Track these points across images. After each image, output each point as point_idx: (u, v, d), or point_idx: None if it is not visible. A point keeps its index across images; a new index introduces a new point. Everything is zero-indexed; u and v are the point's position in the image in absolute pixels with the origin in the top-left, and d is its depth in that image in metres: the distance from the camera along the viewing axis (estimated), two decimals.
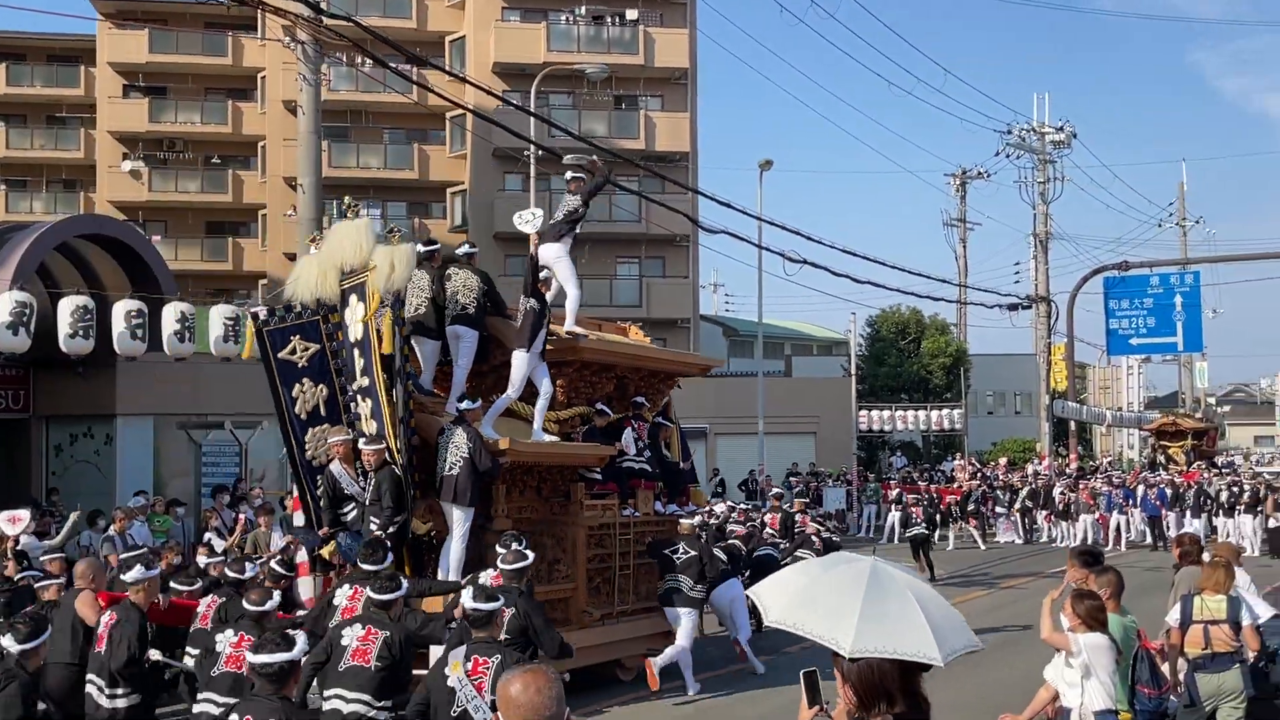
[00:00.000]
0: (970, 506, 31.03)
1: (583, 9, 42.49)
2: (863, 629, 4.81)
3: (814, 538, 17.05)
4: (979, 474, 36.65)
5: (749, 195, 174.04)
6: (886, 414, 41.10)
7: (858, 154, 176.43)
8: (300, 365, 11.71)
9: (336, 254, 11.52)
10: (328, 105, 40.36)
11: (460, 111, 33.60)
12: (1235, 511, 28.63)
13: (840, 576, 5.15)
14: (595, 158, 14.96)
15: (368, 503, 11.05)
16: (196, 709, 8.21)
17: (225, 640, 8.18)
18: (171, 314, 15.47)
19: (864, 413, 41.38)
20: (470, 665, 7.01)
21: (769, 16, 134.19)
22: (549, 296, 12.90)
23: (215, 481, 21.27)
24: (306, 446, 11.79)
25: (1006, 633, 16.24)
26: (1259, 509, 28.04)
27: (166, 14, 44.21)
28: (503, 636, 7.88)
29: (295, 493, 16.18)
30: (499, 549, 10.35)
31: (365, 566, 9.24)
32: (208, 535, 17.08)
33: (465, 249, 13.12)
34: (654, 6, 43.25)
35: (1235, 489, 29.34)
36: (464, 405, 11.61)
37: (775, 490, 24.00)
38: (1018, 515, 32.16)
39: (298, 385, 11.79)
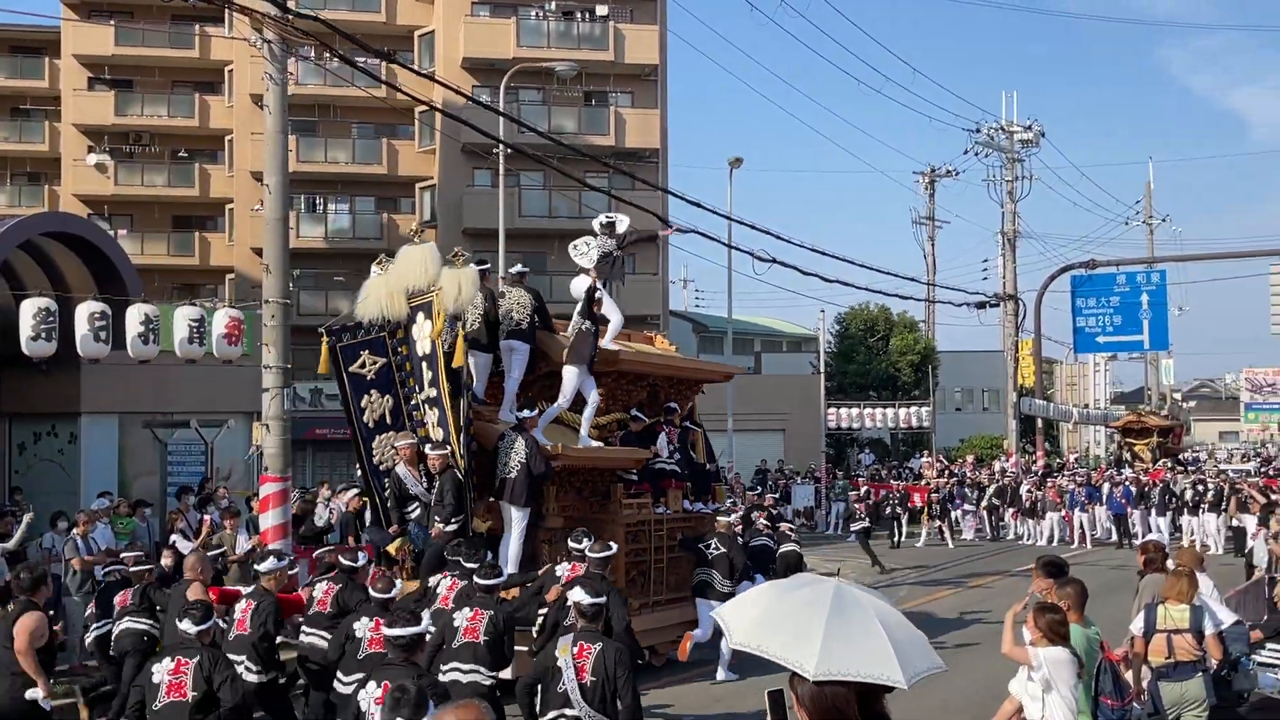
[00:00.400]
0: (938, 504, 31.16)
1: (553, 4, 42.37)
2: (826, 651, 4.81)
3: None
4: (946, 471, 36.81)
5: (719, 193, 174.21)
6: (855, 411, 41.28)
7: (827, 153, 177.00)
8: (368, 378, 12.83)
9: (404, 276, 12.45)
10: (295, 100, 40.02)
11: (433, 101, 33.49)
12: (1200, 510, 28.84)
13: (804, 598, 5.15)
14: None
15: (432, 503, 11.99)
16: (345, 690, 8.95)
17: (364, 627, 9.26)
18: (135, 316, 15.33)
19: (833, 410, 41.53)
20: (576, 650, 8.11)
21: (738, 15, 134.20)
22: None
23: (181, 481, 21.14)
24: (374, 452, 12.89)
25: (972, 629, 16.32)
26: (1223, 507, 28.25)
27: (133, 6, 43.73)
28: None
29: (261, 494, 16.21)
30: (570, 543, 11.27)
31: (468, 565, 10.24)
32: (173, 537, 16.98)
33: (518, 269, 14.28)
34: (624, 3, 43.16)
35: (1200, 487, 29.55)
36: (523, 414, 12.63)
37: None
38: (985, 513, 32.33)
39: (366, 396, 12.94)
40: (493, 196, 31.60)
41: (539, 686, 8.16)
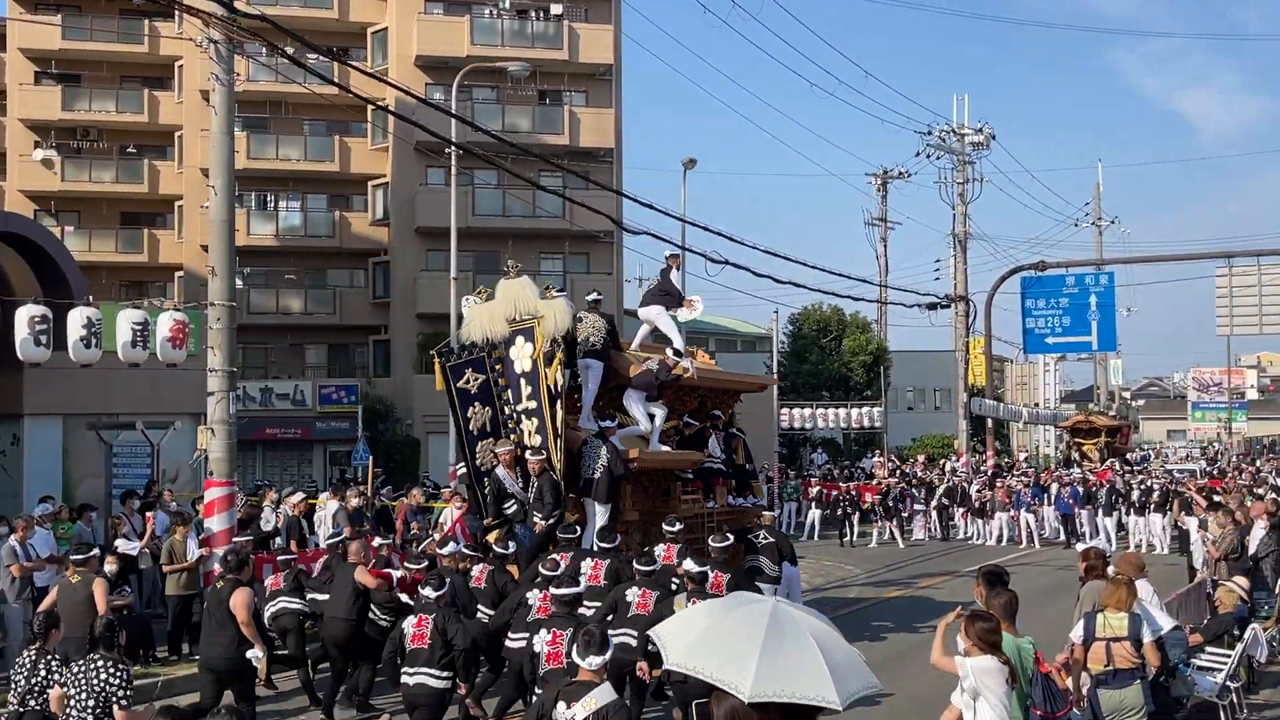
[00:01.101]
0: (889, 504, 31.32)
1: (507, 3, 42.23)
2: (762, 673, 4.83)
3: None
4: (898, 471, 37.01)
5: (673, 193, 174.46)
6: (808, 411, 41.44)
7: (781, 154, 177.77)
8: (472, 392, 14.60)
9: (506, 306, 14.44)
10: (246, 96, 39.87)
11: (383, 102, 33.28)
12: (1146, 510, 29.15)
13: (741, 618, 5.16)
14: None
15: (531, 500, 13.78)
16: (515, 644, 11.15)
17: (534, 596, 11.33)
18: (77, 319, 15.07)
19: (785, 410, 41.66)
20: (690, 603, 10.38)
21: (692, 17, 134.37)
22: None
23: (127, 484, 20.87)
24: (477, 455, 14.55)
25: (924, 634, 16.38)
26: (1168, 508, 28.57)
27: (80, 0, 43.24)
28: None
29: (206, 498, 16.05)
30: (665, 527, 13.84)
31: (635, 560, 12.22)
32: (118, 542, 16.79)
33: (594, 296, 15.87)
34: (579, 2, 43.10)
35: (1145, 488, 29.86)
36: (605, 424, 14.44)
37: None
38: (935, 513, 32.52)
39: (471, 408, 14.60)
40: (446, 195, 31.41)
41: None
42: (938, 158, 43.31)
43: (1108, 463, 39.49)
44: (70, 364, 15.66)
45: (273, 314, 43.23)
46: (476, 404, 14.67)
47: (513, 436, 14.37)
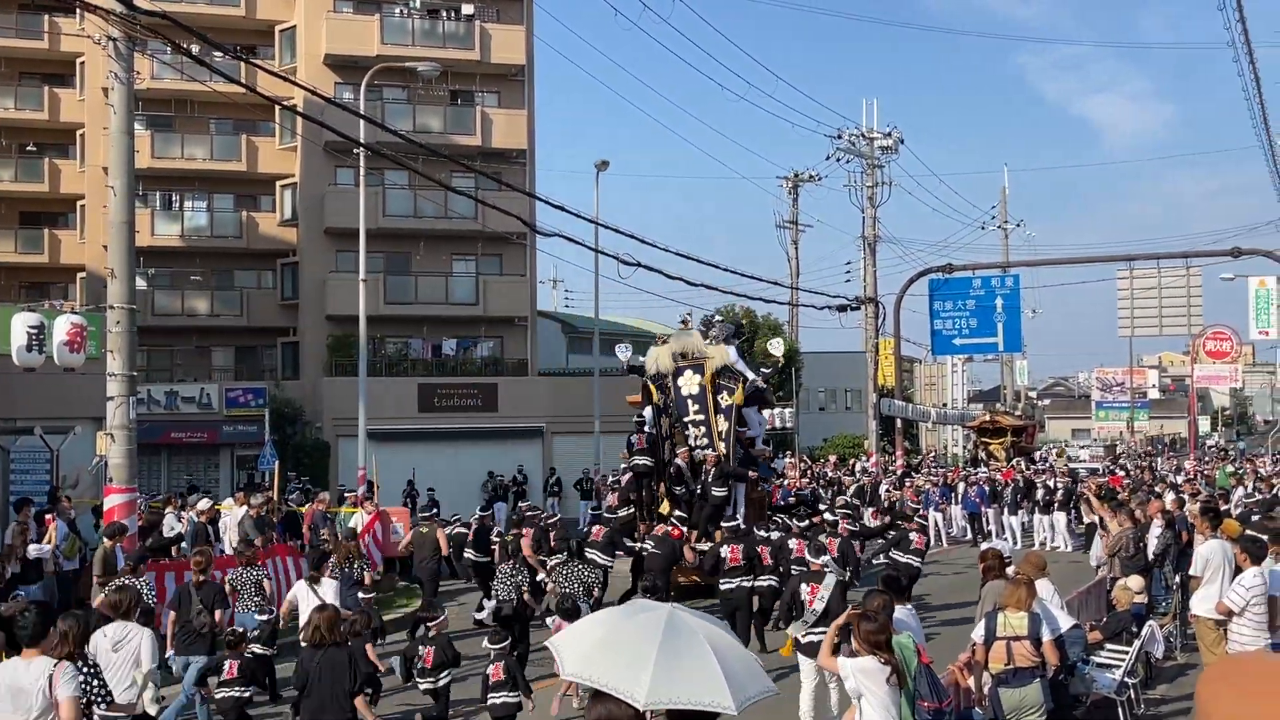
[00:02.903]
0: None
1: (417, 2, 41.86)
2: (657, 680, 4.84)
3: None
4: (809, 472, 37.29)
5: (586, 194, 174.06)
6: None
7: (693, 157, 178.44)
8: (659, 405, 20.19)
9: (680, 347, 20.77)
10: (151, 94, 39.19)
11: (290, 101, 32.81)
12: (1051, 508, 29.67)
13: (637, 626, 5.17)
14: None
15: (709, 481, 19.23)
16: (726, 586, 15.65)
17: (725, 549, 15.62)
18: None
19: None
20: (809, 589, 12.15)
21: (603, 20, 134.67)
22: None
23: (25, 490, 20.33)
24: (664, 450, 19.80)
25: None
26: (1071, 506, 29.12)
27: None
28: None
29: (106, 504, 15.72)
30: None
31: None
32: (30, 547, 16.48)
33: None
34: (490, 2, 42.86)
35: (1049, 486, 30.39)
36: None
37: None
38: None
39: (661, 417, 20.14)
40: (356, 196, 31.07)
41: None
42: (847, 161, 43.78)
43: (1013, 461, 40.16)
44: None
45: (178, 316, 42.48)
46: (662, 415, 20.05)
47: (686, 441, 20.06)
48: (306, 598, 12.98)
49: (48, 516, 17.58)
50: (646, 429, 19.81)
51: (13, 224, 43.75)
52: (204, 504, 19.75)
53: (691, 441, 19.95)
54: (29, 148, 43.52)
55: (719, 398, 20.15)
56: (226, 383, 39.34)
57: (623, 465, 21.06)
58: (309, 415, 39.46)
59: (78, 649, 7.92)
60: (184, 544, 18.91)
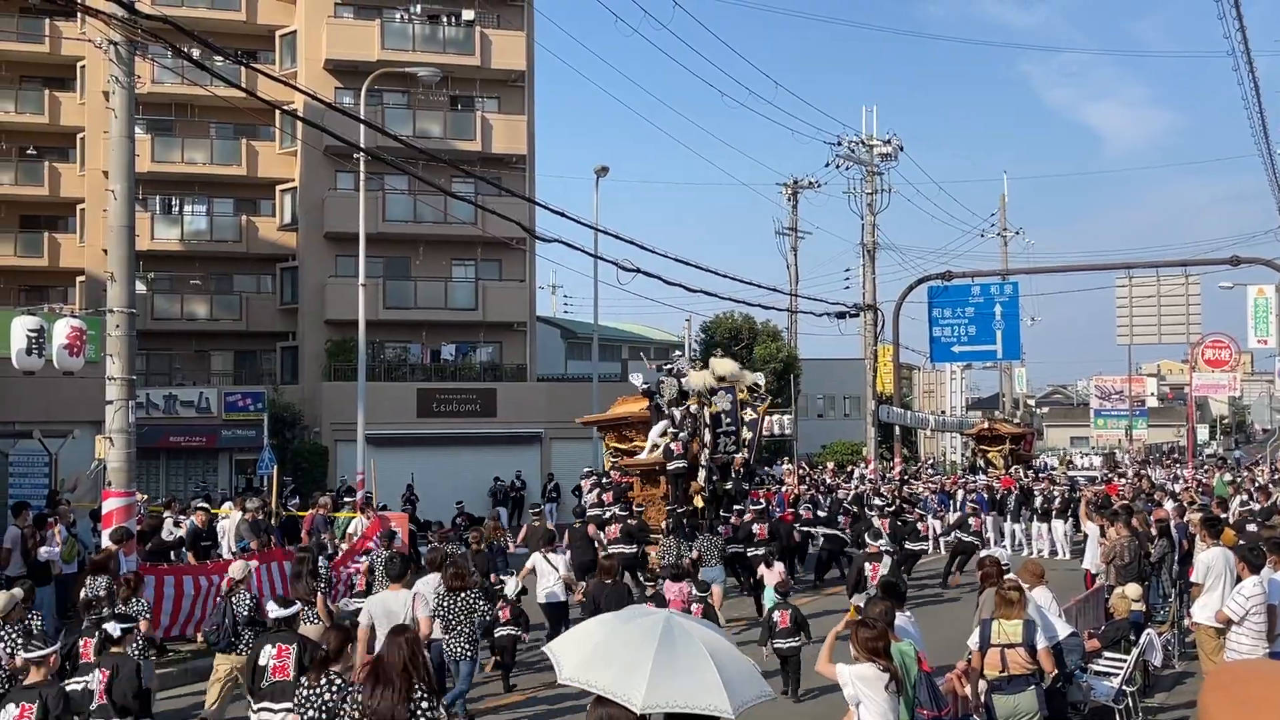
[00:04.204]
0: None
1: (418, 8, 41.91)
2: (654, 684, 4.85)
3: None
4: (808, 478, 37.29)
5: (585, 201, 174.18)
6: (761, 409, 41.53)
7: (692, 164, 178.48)
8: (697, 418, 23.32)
9: (719, 372, 24.15)
10: (151, 99, 39.24)
11: (291, 105, 32.81)
12: (1049, 516, 29.66)
13: (634, 630, 5.17)
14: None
15: (738, 477, 24.07)
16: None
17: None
18: None
19: None
20: (870, 568, 14.75)
21: (604, 27, 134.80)
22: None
23: (23, 494, 20.32)
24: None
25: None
26: (1069, 514, 29.12)
27: None
28: None
29: (105, 508, 15.71)
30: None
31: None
32: (41, 550, 16.52)
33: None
34: (490, 8, 42.90)
35: (1048, 494, 30.40)
36: None
37: None
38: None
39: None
40: (356, 200, 31.11)
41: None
42: (847, 168, 43.74)
43: (1011, 469, 40.14)
44: None
45: (178, 320, 42.50)
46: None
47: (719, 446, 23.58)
48: (542, 566, 16.27)
49: (49, 520, 17.60)
50: (681, 437, 22.41)
51: (13, 227, 43.80)
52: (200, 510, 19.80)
53: (721, 449, 23.69)
54: (29, 151, 43.57)
55: (743, 413, 24.16)
56: (225, 387, 39.35)
57: (610, 466, 25.18)
58: (308, 420, 39.46)
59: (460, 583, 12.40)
60: (183, 548, 18.93)
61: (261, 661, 9.30)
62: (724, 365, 24.59)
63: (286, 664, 9.08)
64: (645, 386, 23.66)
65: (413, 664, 6.63)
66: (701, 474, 22.66)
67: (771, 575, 16.74)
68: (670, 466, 22.32)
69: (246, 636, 11.48)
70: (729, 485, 23.83)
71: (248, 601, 11.84)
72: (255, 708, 9.25)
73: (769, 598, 15.55)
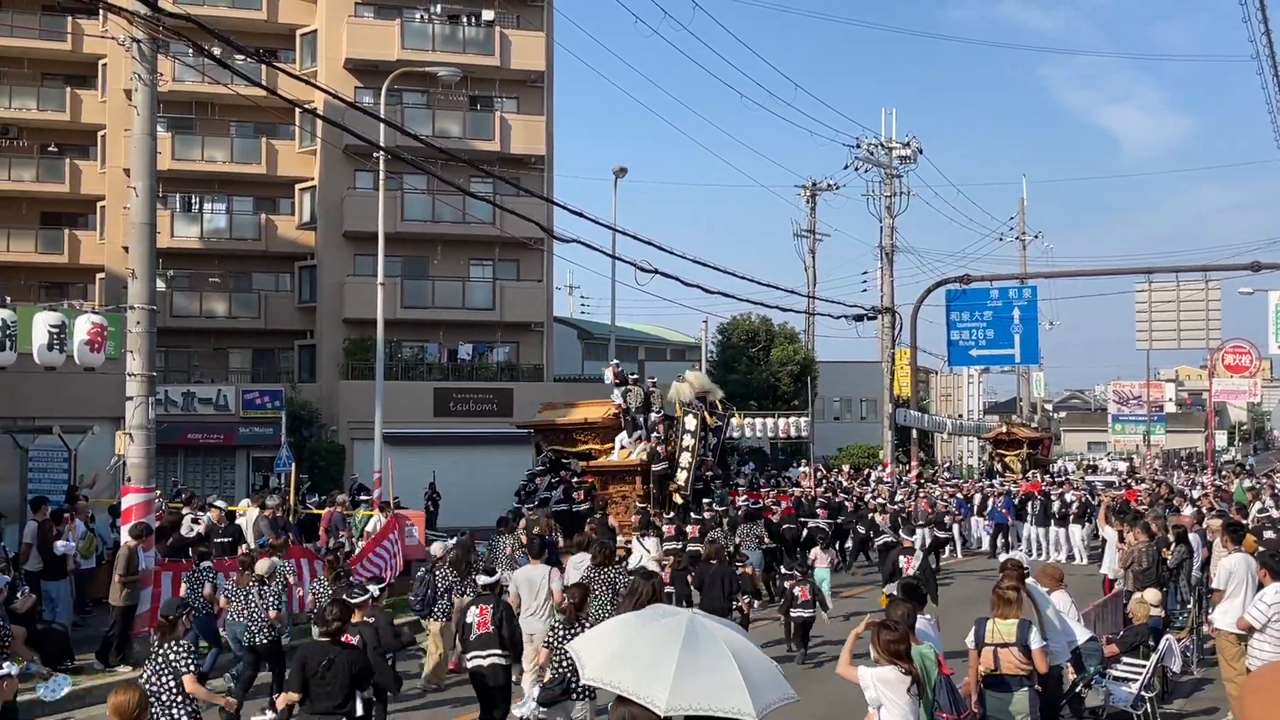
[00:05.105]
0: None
1: (438, 7, 41.97)
2: (678, 686, 4.83)
3: None
4: (824, 481, 37.22)
5: (603, 202, 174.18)
6: (735, 420, 41.57)
7: (711, 165, 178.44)
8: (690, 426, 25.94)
9: (698, 387, 26.25)
10: (172, 97, 39.33)
11: (311, 104, 32.87)
12: (1067, 521, 29.58)
13: (657, 631, 5.15)
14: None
15: (709, 479, 26.26)
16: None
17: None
18: None
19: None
20: (904, 561, 16.33)
21: (624, 28, 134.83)
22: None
23: (43, 489, 20.39)
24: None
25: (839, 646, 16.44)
26: (1087, 519, 29.06)
27: None
28: None
29: (124, 504, 15.77)
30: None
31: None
32: (58, 544, 16.58)
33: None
34: (510, 8, 42.94)
35: (1066, 499, 30.30)
36: None
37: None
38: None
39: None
40: (374, 199, 31.17)
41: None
42: (866, 171, 43.61)
43: (1030, 474, 40.03)
44: None
45: (196, 317, 42.64)
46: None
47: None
48: (638, 548, 18.39)
49: (65, 515, 17.67)
50: (662, 443, 25.17)
51: (34, 224, 43.99)
52: (219, 505, 19.86)
53: (696, 453, 25.77)
54: (50, 148, 43.77)
55: (710, 421, 26.37)
56: (243, 385, 39.48)
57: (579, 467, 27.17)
58: (325, 418, 39.55)
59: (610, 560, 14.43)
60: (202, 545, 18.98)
61: (468, 619, 11.22)
62: (699, 379, 26.99)
63: (486, 620, 11.02)
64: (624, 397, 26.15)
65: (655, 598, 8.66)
66: (681, 475, 25.32)
67: (824, 558, 19.97)
68: (656, 468, 24.93)
69: (443, 604, 14.55)
70: (699, 485, 25.87)
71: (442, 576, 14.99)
72: (467, 657, 11.26)
73: (820, 576, 18.76)
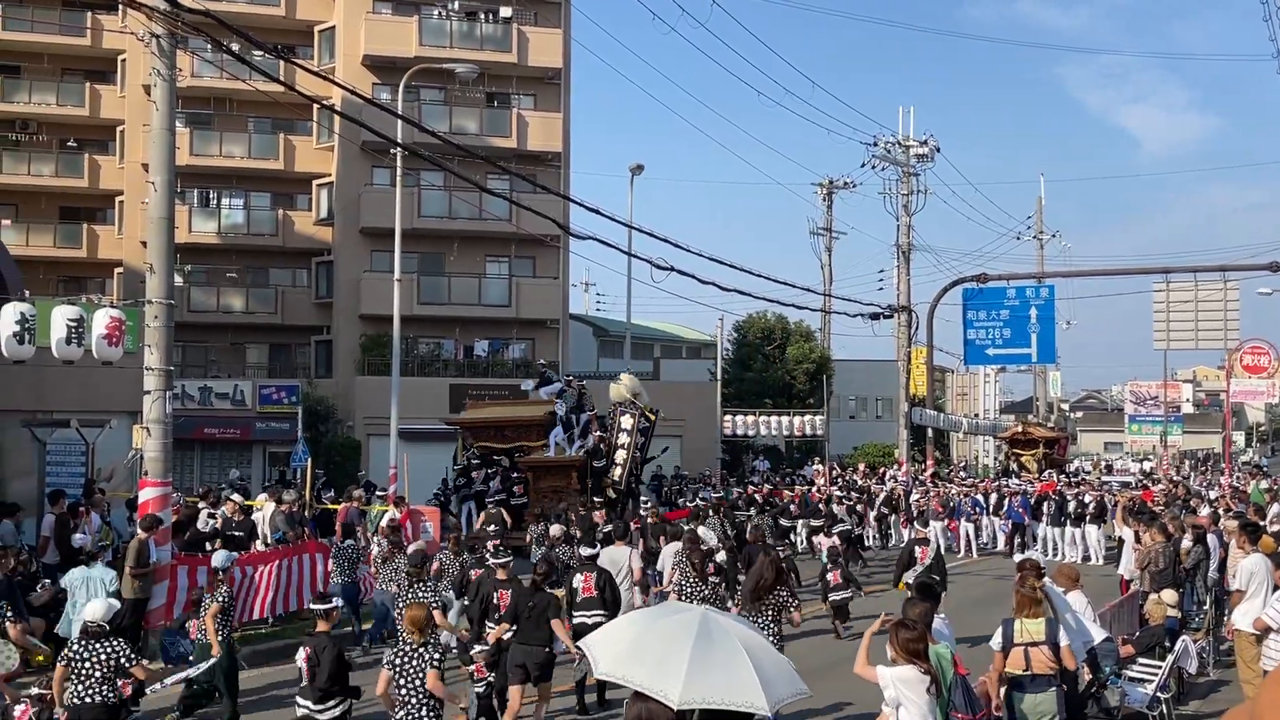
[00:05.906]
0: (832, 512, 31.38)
1: (455, 4, 42.02)
2: (691, 679, 4.84)
3: None
4: (838, 479, 37.17)
5: (619, 199, 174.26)
6: (751, 418, 41.63)
7: (727, 162, 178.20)
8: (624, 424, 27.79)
9: (630, 391, 27.80)
10: (190, 92, 39.45)
11: (329, 101, 32.95)
12: (1083, 521, 29.47)
13: (669, 626, 5.16)
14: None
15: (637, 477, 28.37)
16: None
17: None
18: (10, 315, 14.73)
19: (728, 416, 41.80)
20: (920, 551, 16.98)
21: (641, 24, 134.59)
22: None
23: (61, 483, 20.52)
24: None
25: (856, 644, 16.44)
26: (1103, 519, 28.96)
27: None
28: None
29: (141, 498, 15.85)
30: None
31: None
32: (76, 537, 16.66)
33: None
34: (528, 5, 42.98)
35: (1083, 499, 30.18)
36: None
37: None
38: (874, 521, 32.62)
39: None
40: (391, 195, 31.23)
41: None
42: (883, 169, 43.49)
43: (1046, 474, 39.89)
44: (3, 360, 15.36)
45: (214, 312, 42.80)
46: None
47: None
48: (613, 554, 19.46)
49: (81, 508, 17.76)
50: (602, 439, 27.32)
51: (52, 218, 44.21)
52: (235, 499, 19.92)
53: (624, 452, 27.46)
54: (70, 143, 43.98)
55: (640, 422, 27.87)
56: (260, 380, 39.61)
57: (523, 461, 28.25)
58: (341, 413, 39.65)
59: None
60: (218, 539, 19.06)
61: (575, 584, 13.23)
62: (633, 382, 28.82)
63: (590, 585, 13.05)
64: (549, 393, 28.40)
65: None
66: (616, 470, 27.29)
67: (826, 542, 21.58)
68: (596, 464, 26.85)
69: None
70: (631, 482, 27.81)
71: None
72: (574, 615, 12.85)
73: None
